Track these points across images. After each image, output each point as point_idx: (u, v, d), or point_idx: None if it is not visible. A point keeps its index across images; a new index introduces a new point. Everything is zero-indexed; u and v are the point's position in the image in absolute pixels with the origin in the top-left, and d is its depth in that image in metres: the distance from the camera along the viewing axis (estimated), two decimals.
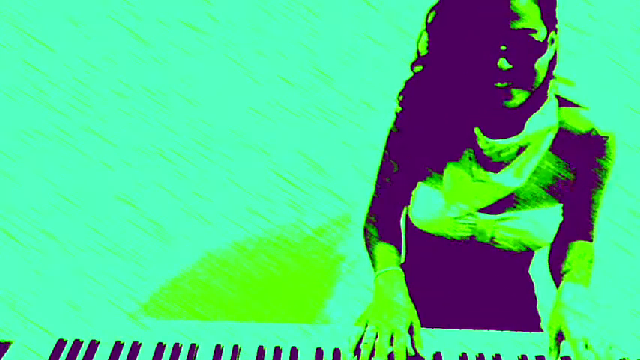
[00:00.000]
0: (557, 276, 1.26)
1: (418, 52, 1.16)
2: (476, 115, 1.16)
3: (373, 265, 1.29)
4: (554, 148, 1.18)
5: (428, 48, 1.14)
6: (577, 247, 1.26)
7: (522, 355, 1.09)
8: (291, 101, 3.03)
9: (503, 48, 1.01)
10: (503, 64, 1.01)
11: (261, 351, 1.10)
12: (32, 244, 2.59)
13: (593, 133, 1.16)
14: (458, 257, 1.28)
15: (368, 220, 1.38)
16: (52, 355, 1.09)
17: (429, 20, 1.11)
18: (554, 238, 1.25)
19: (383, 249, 1.30)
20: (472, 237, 1.21)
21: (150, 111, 3.06)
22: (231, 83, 3.11)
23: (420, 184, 1.24)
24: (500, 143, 1.13)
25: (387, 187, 1.33)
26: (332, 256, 2.57)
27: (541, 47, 1.05)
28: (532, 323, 1.40)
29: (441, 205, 1.20)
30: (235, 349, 1.10)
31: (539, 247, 1.24)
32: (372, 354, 1.05)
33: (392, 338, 1.07)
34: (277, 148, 2.95)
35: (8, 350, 1.10)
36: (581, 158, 1.19)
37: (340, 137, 2.91)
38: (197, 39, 3.16)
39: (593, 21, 3.00)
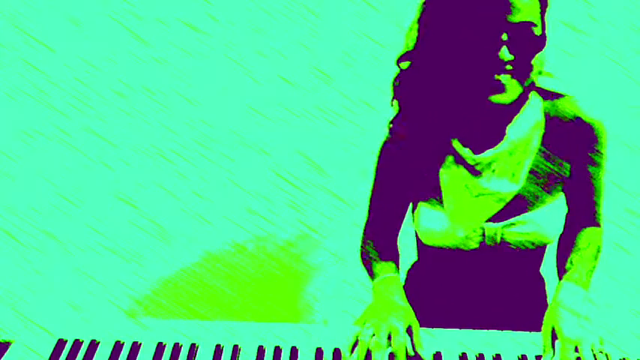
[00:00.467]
0: (560, 272, 1.26)
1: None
2: (456, 122, 1.14)
3: (371, 277, 1.28)
4: (544, 143, 1.17)
5: (418, 40, 1.10)
6: (583, 238, 1.25)
7: (522, 355, 1.09)
8: (291, 101, 3.03)
9: (504, 37, 0.99)
10: (505, 54, 1.00)
11: (261, 351, 1.10)
12: (32, 244, 2.60)
13: (579, 121, 1.15)
14: (469, 265, 1.27)
15: (365, 243, 1.36)
16: (52, 355, 1.09)
17: (421, 12, 1.09)
18: (564, 227, 1.25)
19: (381, 264, 1.29)
20: (482, 244, 1.21)
21: (150, 111, 3.06)
22: (231, 83, 3.11)
23: (421, 203, 1.24)
24: (485, 156, 1.13)
25: (380, 209, 1.32)
26: (332, 256, 2.58)
27: (540, 41, 1.04)
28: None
29: (446, 225, 1.20)
30: (235, 349, 1.10)
31: (550, 242, 1.23)
32: (368, 354, 1.05)
33: (390, 337, 1.06)
34: (277, 148, 2.95)
35: (8, 350, 1.10)
36: (572, 146, 1.17)
37: (340, 137, 2.91)
38: (197, 39, 3.16)
39: (593, 21, 3.01)
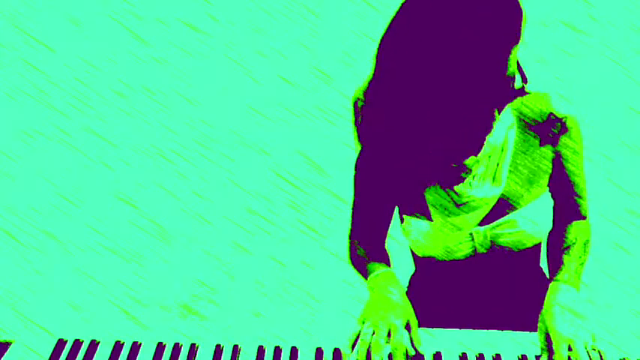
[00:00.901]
0: (550, 272, 1.26)
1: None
2: (442, 136, 1.11)
3: (365, 277, 1.27)
4: (521, 142, 1.17)
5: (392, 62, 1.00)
6: (570, 234, 1.25)
7: (522, 355, 1.09)
8: (291, 101, 3.03)
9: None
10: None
11: (261, 351, 1.10)
12: (32, 244, 2.60)
13: (552, 117, 1.14)
14: (466, 272, 1.27)
15: (352, 247, 1.34)
16: (52, 355, 1.09)
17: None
18: (552, 222, 1.26)
19: (372, 263, 1.27)
20: (474, 251, 1.21)
21: (150, 111, 3.06)
22: (231, 83, 3.11)
23: (407, 217, 1.23)
24: (466, 162, 1.10)
25: (362, 218, 1.31)
26: (332, 256, 2.57)
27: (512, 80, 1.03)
28: None
29: (435, 237, 1.20)
30: (235, 349, 1.10)
31: (540, 240, 1.23)
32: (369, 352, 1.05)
33: (389, 335, 1.06)
34: (277, 148, 2.95)
35: (8, 350, 1.10)
36: (547, 142, 1.17)
37: (340, 137, 2.91)
38: (197, 39, 3.16)
39: (593, 21, 3.01)
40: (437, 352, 1.11)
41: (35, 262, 2.53)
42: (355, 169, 1.25)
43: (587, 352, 1.03)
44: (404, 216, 1.24)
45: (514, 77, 1.00)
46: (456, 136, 1.06)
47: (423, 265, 1.36)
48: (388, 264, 1.29)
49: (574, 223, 1.26)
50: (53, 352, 1.11)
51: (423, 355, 1.10)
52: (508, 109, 1.15)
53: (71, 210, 2.74)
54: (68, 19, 3.17)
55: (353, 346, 1.09)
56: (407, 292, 1.45)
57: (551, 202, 1.23)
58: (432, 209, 1.19)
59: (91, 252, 2.58)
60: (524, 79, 1.04)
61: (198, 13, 3.18)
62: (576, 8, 2.98)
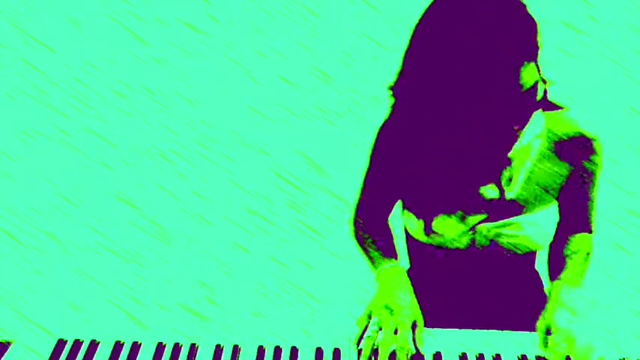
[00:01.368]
0: (552, 272, 1.27)
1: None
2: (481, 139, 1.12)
3: (370, 262, 1.29)
4: (543, 153, 1.19)
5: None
6: (574, 242, 1.28)
7: (522, 355, 1.09)
8: (291, 101, 3.03)
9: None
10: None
11: (261, 351, 1.10)
12: (32, 244, 2.60)
13: (581, 137, 1.17)
14: (461, 262, 1.28)
15: (356, 222, 1.37)
16: (52, 355, 1.09)
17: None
18: (555, 233, 1.26)
19: (379, 251, 1.29)
20: (472, 243, 1.21)
21: (150, 111, 3.06)
22: (231, 83, 3.11)
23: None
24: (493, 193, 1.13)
25: (373, 191, 1.33)
26: (332, 256, 2.57)
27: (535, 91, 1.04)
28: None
29: (437, 226, 1.21)
30: (235, 349, 1.10)
31: (540, 248, 1.24)
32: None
33: (396, 332, 1.07)
34: (277, 148, 2.95)
35: (8, 350, 1.10)
36: (570, 158, 1.19)
37: (340, 137, 2.91)
38: (197, 39, 3.16)
39: (593, 21, 3.01)
40: (437, 352, 1.11)
41: (35, 262, 2.53)
42: (377, 141, 1.24)
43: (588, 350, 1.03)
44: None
45: (535, 89, 1.00)
46: (481, 149, 1.08)
47: (420, 251, 1.36)
48: (393, 245, 1.31)
49: (579, 234, 1.28)
50: (53, 352, 1.11)
51: (423, 355, 1.10)
52: (539, 118, 1.16)
53: (71, 210, 2.74)
54: (68, 19, 3.17)
55: (359, 340, 1.10)
56: None
57: (557, 217, 1.24)
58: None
59: (91, 252, 2.58)
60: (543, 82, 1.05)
61: (198, 13, 3.18)
62: (576, 8, 2.98)
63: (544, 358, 1.11)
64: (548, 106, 1.18)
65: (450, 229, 1.20)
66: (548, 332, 1.09)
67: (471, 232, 1.21)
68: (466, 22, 0.94)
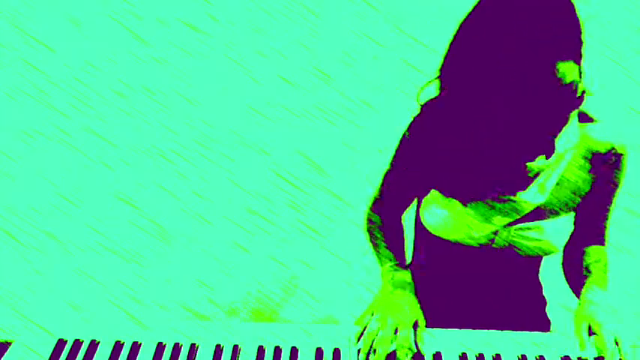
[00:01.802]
0: (574, 280, 1.29)
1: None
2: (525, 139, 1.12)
3: (379, 259, 1.30)
4: (575, 163, 1.19)
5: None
6: (592, 252, 1.29)
7: (522, 355, 1.09)
8: (291, 101, 3.03)
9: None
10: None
11: (261, 351, 1.10)
12: (32, 244, 2.60)
13: (613, 152, 1.19)
14: (470, 260, 1.27)
15: (370, 220, 1.37)
16: (52, 355, 1.09)
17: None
18: (568, 243, 1.28)
19: (388, 250, 1.30)
20: (490, 243, 1.21)
21: (150, 111, 3.06)
22: (231, 83, 3.11)
23: (435, 191, 1.24)
24: (538, 164, 1.12)
25: (392, 188, 1.32)
26: (332, 256, 2.57)
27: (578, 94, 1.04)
28: (542, 325, 1.40)
29: (460, 220, 1.20)
30: (235, 349, 1.10)
31: (555, 253, 1.25)
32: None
33: (396, 331, 1.08)
34: (277, 148, 2.95)
35: (8, 350, 1.10)
36: (599, 172, 1.21)
37: (340, 137, 2.91)
38: (197, 39, 3.16)
39: (593, 21, 3.00)
40: (437, 352, 1.11)
41: (35, 262, 2.53)
42: (409, 136, 1.23)
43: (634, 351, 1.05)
44: (432, 190, 1.24)
45: (575, 88, 1.01)
46: (518, 141, 1.07)
47: (429, 244, 1.35)
48: (402, 244, 1.32)
49: (594, 246, 1.29)
50: (53, 352, 1.11)
51: (423, 355, 1.10)
52: (575, 126, 1.14)
53: (71, 210, 2.74)
54: (68, 19, 3.17)
55: (360, 338, 1.10)
56: None
57: (571, 225, 1.24)
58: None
59: (91, 252, 2.58)
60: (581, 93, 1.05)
61: (198, 13, 3.18)
62: (576, 8, 2.98)
63: (544, 357, 1.11)
64: (582, 116, 1.20)
65: (476, 226, 1.19)
66: (590, 332, 1.10)
67: (492, 235, 1.20)
68: (512, 16, 0.95)
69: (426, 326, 1.18)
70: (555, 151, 1.09)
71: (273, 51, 3.11)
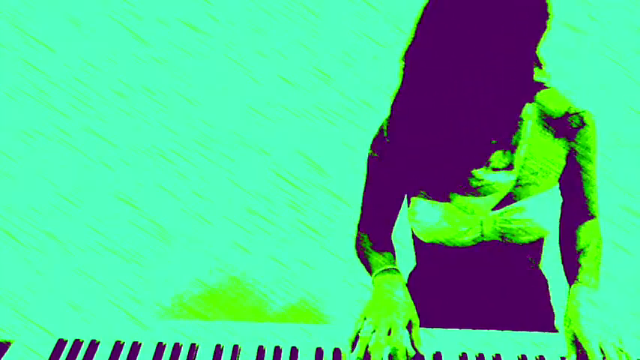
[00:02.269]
0: (566, 267, 1.28)
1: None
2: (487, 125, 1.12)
3: (369, 272, 1.28)
4: (537, 133, 1.18)
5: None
6: (583, 235, 1.27)
7: (522, 355, 1.09)
8: (291, 101, 3.03)
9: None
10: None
11: (261, 351, 1.10)
12: (32, 244, 2.60)
13: (571, 111, 1.17)
14: (469, 262, 1.27)
15: (359, 237, 1.36)
16: (52, 355, 1.09)
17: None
18: (560, 222, 1.27)
19: (378, 255, 1.29)
20: (482, 236, 1.21)
21: (150, 111, 3.06)
22: (231, 83, 3.11)
23: (415, 199, 1.24)
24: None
25: (372, 204, 1.33)
26: (332, 256, 2.57)
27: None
28: (547, 319, 1.40)
29: (445, 218, 1.21)
30: (235, 349, 1.10)
31: (546, 234, 1.24)
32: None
33: (390, 333, 1.07)
34: (277, 148, 2.95)
35: (8, 350, 1.10)
36: (564, 135, 1.19)
37: (340, 137, 2.91)
38: (197, 39, 3.16)
39: (593, 21, 3.01)
40: (437, 352, 1.11)
41: (35, 262, 2.53)
42: (372, 153, 1.24)
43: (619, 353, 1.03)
44: (412, 198, 1.24)
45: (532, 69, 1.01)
46: (484, 126, 1.07)
47: (425, 253, 1.36)
48: (393, 253, 1.31)
49: (585, 223, 1.27)
50: (53, 352, 1.11)
51: (423, 355, 1.10)
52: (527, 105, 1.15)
53: (71, 210, 2.74)
54: (68, 19, 3.17)
55: (354, 344, 1.09)
56: (407, 285, 1.45)
57: (559, 198, 1.24)
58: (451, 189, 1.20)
59: (91, 252, 2.58)
60: (539, 65, 1.05)
61: (198, 13, 3.17)
62: (576, 8, 2.98)
63: (544, 357, 1.11)
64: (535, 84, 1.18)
65: (460, 222, 1.20)
66: (576, 341, 1.09)
67: (479, 226, 1.20)
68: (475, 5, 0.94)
69: (427, 327, 1.17)
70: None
71: (273, 51, 3.11)
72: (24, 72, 3.12)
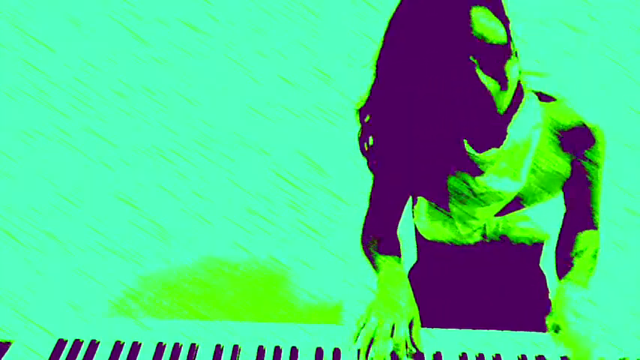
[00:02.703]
0: (559, 268, 1.29)
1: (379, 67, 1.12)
2: (461, 128, 1.14)
3: (375, 269, 1.30)
4: (543, 143, 1.19)
5: (382, 66, 1.12)
6: (581, 241, 1.27)
7: (522, 355, 1.09)
8: (291, 101, 3.03)
9: (473, 60, 0.99)
10: (482, 79, 1.00)
11: (261, 351, 1.10)
12: (32, 244, 2.60)
13: (582, 125, 1.16)
14: (470, 260, 1.28)
15: (365, 235, 1.38)
16: (52, 355, 1.09)
17: (385, 36, 1.09)
18: (560, 229, 1.28)
19: (383, 257, 1.31)
20: (481, 242, 1.22)
21: (150, 111, 3.06)
22: (231, 83, 3.11)
23: (420, 199, 1.25)
24: (489, 155, 1.13)
25: (379, 201, 1.34)
26: (332, 256, 2.57)
27: (507, 49, 1.04)
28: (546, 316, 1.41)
29: (448, 222, 1.22)
30: (235, 349, 1.10)
31: (547, 239, 1.25)
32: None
33: (393, 330, 1.08)
34: (277, 148, 2.95)
35: (8, 350, 1.10)
36: (572, 149, 1.19)
37: (340, 137, 2.91)
38: (197, 39, 3.16)
39: (593, 21, 3.01)
40: (437, 352, 1.11)
41: (35, 262, 2.53)
42: (369, 158, 1.26)
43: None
44: (418, 197, 1.25)
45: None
46: (471, 128, 1.11)
47: (427, 250, 1.37)
48: (398, 254, 1.33)
49: (585, 231, 1.27)
50: (53, 352, 1.11)
51: (423, 355, 1.10)
52: (535, 108, 1.16)
53: (71, 210, 2.74)
54: (68, 19, 3.17)
55: (357, 337, 1.11)
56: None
57: (562, 207, 1.24)
58: (450, 196, 1.20)
59: (91, 252, 2.58)
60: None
61: (198, 13, 3.18)
62: (576, 8, 2.98)
63: (543, 357, 1.11)
64: (545, 97, 1.19)
65: (462, 225, 1.21)
66: (557, 331, 1.10)
67: (481, 230, 1.21)
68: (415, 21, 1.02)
69: (427, 326, 1.18)
70: (509, 138, 1.11)
71: (273, 51, 3.11)
72: (24, 72, 3.12)
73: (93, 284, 2.45)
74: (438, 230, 1.24)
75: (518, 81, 1.11)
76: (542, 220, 1.20)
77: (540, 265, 1.38)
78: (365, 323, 1.12)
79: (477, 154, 1.15)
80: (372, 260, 1.34)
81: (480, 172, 1.16)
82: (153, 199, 2.79)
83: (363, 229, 1.39)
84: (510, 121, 1.14)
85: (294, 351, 1.11)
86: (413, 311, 1.14)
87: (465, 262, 1.29)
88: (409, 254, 1.49)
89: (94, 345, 1.12)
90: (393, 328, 1.09)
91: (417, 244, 1.42)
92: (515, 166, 1.16)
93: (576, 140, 1.18)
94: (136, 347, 1.12)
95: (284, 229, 2.69)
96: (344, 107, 2.97)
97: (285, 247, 2.63)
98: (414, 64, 1.03)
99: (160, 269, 2.55)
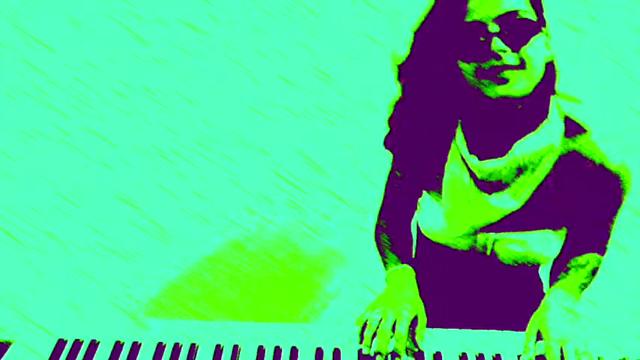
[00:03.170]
0: (551, 281, 1.25)
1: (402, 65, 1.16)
2: (461, 116, 1.15)
3: (385, 266, 1.31)
4: (558, 172, 1.13)
5: (411, 52, 1.13)
6: (583, 256, 1.23)
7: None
8: (291, 101, 3.04)
9: (493, 29, 0.98)
10: (497, 44, 0.97)
11: (261, 351, 1.10)
12: (32, 244, 2.60)
13: (605, 168, 1.10)
14: (463, 264, 1.28)
15: (378, 226, 1.38)
16: (52, 355, 1.09)
17: (414, 30, 1.11)
18: (562, 251, 1.23)
19: (394, 252, 1.31)
20: (472, 249, 1.21)
21: (150, 111, 3.06)
22: (231, 83, 3.11)
23: (425, 192, 1.25)
24: (487, 166, 1.11)
25: (395, 192, 1.34)
26: (332, 256, 2.57)
27: (534, 26, 1.01)
28: None
29: (442, 221, 1.22)
30: (235, 349, 1.10)
31: (542, 264, 1.22)
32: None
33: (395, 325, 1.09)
34: (277, 148, 2.95)
35: (8, 350, 1.10)
36: (592, 191, 1.13)
37: (340, 137, 2.92)
38: (197, 39, 3.16)
39: (593, 21, 3.01)
40: (437, 352, 1.11)
41: (35, 262, 2.53)
42: (389, 148, 1.28)
43: (578, 357, 1.02)
44: (423, 191, 1.27)
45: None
46: (485, 128, 1.13)
47: (426, 247, 1.37)
48: (409, 250, 1.34)
49: (591, 253, 1.23)
50: (53, 352, 1.10)
51: (423, 353, 1.10)
52: (554, 134, 1.11)
53: (71, 210, 2.74)
54: (68, 19, 3.17)
55: (362, 332, 1.11)
56: None
57: (562, 240, 1.20)
58: (445, 195, 1.20)
59: (91, 252, 2.58)
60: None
61: (198, 13, 3.18)
62: (576, 8, 2.98)
63: (543, 357, 1.11)
64: (574, 125, 1.14)
65: (457, 229, 1.21)
66: (538, 336, 1.09)
67: (472, 238, 1.21)
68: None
69: (427, 326, 1.18)
70: (511, 153, 1.09)
71: (273, 51, 3.11)
72: (24, 72, 3.12)
73: (93, 284, 2.45)
74: (432, 230, 1.25)
75: (547, 99, 1.09)
76: (538, 249, 1.17)
77: (538, 271, 1.38)
78: (369, 317, 1.12)
79: (472, 162, 1.14)
80: (382, 253, 1.34)
81: (480, 181, 1.16)
82: (153, 199, 2.79)
83: (377, 220, 1.39)
84: (522, 137, 1.10)
85: (294, 351, 1.11)
86: (417, 309, 1.14)
87: (461, 260, 1.29)
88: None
89: (94, 345, 1.12)
90: (395, 322, 1.10)
91: (417, 240, 1.42)
92: (519, 185, 1.13)
93: (601, 186, 1.12)
94: (136, 347, 1.11)
95: (284, 229, 2.69)
96: (344, 107, 2.97)
97: (285, 246, 2.63)
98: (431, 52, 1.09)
99: (160, 269, 2.55)
